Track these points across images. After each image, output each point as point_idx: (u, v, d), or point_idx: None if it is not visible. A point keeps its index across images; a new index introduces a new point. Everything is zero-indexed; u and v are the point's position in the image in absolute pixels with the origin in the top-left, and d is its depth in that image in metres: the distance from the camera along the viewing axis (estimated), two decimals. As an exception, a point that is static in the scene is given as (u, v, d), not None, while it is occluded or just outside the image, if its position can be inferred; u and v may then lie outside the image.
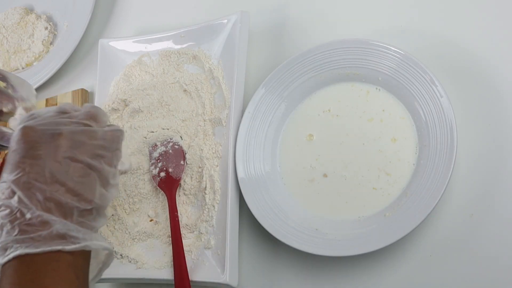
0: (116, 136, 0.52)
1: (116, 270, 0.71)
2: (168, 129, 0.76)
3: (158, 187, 0.73)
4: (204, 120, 0.74)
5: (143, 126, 0.77)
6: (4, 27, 0.97)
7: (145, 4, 0.92)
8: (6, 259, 0.44)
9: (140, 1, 0.93)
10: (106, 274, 0.71)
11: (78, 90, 0.87)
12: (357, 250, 0.59)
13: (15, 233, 0.45)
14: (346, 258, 0.63)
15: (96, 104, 0.81)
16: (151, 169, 0.74)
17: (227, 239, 0.65)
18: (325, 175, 0.67)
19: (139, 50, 0.82)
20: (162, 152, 0.74)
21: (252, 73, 0.76)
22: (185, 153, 0.73)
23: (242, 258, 0.68)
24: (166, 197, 0.71)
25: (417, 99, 0.63)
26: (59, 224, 0.46)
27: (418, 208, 0.58)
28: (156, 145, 0.75)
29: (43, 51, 0.94)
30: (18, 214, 0.45)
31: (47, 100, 0.89)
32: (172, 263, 0.66)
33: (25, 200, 0.46)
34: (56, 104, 0.87)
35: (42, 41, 0.94)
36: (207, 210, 0.69)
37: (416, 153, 0.63)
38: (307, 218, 0.65)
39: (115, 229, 0.74)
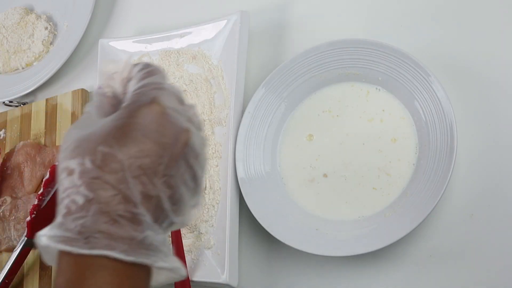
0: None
1: (116, 270, 0.71)
2: (168, 129, 0.76)
3: (158, 187, 0.73)
4: (204, 120, 0.74)
5: (143, 126, 0.77)
6: (4, 27, 0.97)
7: (145, 4, 0.92)
8: (88, 252, 0.36)
9: (140, 1, 0.93)
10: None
11: (78, 90, 0.87)
12: (357, 250, 0.59)
13: (105, 220, 0.37)
14: (346, 258, 0.63)
15: (96, 104, 0.81)
16: (151, 169, 0.74)
17: (227, 239, 0.65)
18: (325, 175, 0.67)
19: (139, 50, 0.82)
20: (162, 152, 0.74)
21: (252, 73, 0.76)
22: (185, 153, 0.73)
23: (242, 258, 0.68)
24: (166, 197, 0.71)
25: (417, 99, 0.63)
26: (151, 230, 0.39)
27: (418, 208, 0.58)
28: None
29: (43, 51, 0.94)
30: (117, 198, 0.37)
31: (47, 100, 0.89)
32: (172, 263, 0.66)
33: (132, 186, 0.38)
34: (56, 105, 0.87)
35: (42, 41, 0.94)
36: (207, 210, 0.69)
37: (416, 153, 0.63)
38: (307, 218, 0.65)
39: (115, 229, 0.74)
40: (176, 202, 0.41)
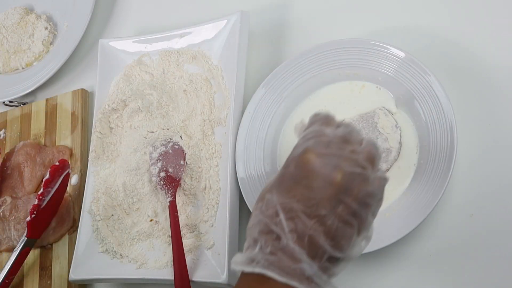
0: (383, 184, 0.48)
1: (116, 270, 0.71)
2: (168, 129, 0.76)
3: (158, 187, 0.73)
4: (204, 120, 0.74)
5: (143, 126, 0.77)
6: (4, 27, 0.97)
7: (145, 4, 0.92)
8: (251, 269, 0.45)
9: (140, 1, 0.93)
10: (107, 274, 0.71)
11: (78, 90, 0.87)
12: (357, 250, 0.59)
13: (267, 251, 0.45)
14: (346, 258, 0.63)
15: (96, 104, 0.81)
16: (151, 169, 0.74)
17: (227, 239, 0.65)
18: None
19: (139, 50, 0.82)
20: (162, 152, 0.74)
21: (252, 73, 0.76)
22: (185, 153, 0.73)
23: (242, 258, 0.68)
24: (166, 197, 0.71)
25: (417, 99, 0.63)
26: (306, 264, 0.44)
27: (418, 208, 0.58)
28: (156, 145, 0.75)
29: (43, 51, 0.94)
30: (274, 236, 0.45)
31: (47, 100, 0.89)
32: (172, 263, 0.66)
33: (285, 227, 0.45)
34: (56, 105, 0.88)
35: (42, 41, 0.94)
36: (207, 210, 0.69)
37: (416, 153, 0.63)
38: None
39: (115, 229, 0.74)
40: (334, 237, 0.45)
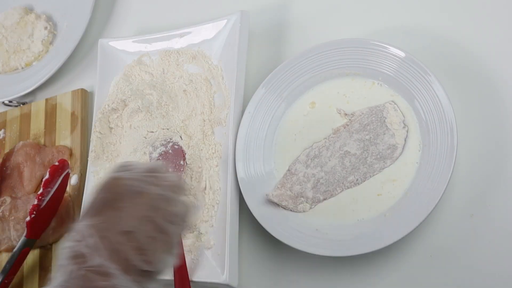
0: (190, 210, 0.53)
1: (116, 270, 0.71)
2: (167, 129, 0.76)
3: (158, 187, 0.73)
4: (204, 120, 0.74)
5: (143, 126, 0.77)
6: (4, 27, 0.97)
7: (145, 4, 0.92)
8: None
9: (140, 1, 0.93)
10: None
11: (78, 90, 0.87)
12: (357, 250, 0.59)
13: (80, 275, 0.46)
14: (346, 258, 0.63)
15: (96, 104, 0.81)
16: (151, 169, 0.74)
17: (227, 239, 0.65)
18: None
19: (139, 50, 0.82)
20: (162, 152, 0.74)
21: (252, 73, 0.76)
22: (185, 153, 0.73)
23: (242, 258, 0.68)
24: (166, 197, 0.71)
25: (417, 99, 0.63)
26: (119, 279, 0.46)
27: (418, 208, 0.58)
28: (155, 145, 0.75)
29: (42, 51, 0.94)
30: (86, 258, 0.46)
31: (46, 100, 0.89)
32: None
33: (99, 245, 0.47)
34: (56, 105, 0.88)
35: (42, 41, 0.94)
36: (207, 210, 0.69)
37: (419, 151, 0.63)
38: (307, 218, 0.65)
39: (115, 229, 0.74)
40: (144, 252, 0.48)
